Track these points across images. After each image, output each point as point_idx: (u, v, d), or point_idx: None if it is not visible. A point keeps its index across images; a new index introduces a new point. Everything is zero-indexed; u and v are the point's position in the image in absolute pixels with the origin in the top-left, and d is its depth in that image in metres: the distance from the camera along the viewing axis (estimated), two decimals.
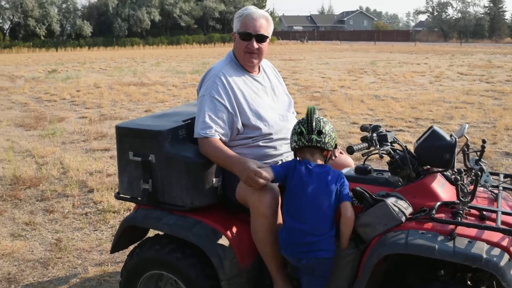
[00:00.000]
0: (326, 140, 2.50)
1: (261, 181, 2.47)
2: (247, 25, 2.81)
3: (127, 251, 3.27)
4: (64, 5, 56.25)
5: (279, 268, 2.68)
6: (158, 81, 17.59)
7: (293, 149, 2.60)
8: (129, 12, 56.69)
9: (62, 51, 47.78)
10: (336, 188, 2.46)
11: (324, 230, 2.45)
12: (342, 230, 2.44)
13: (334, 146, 2.56)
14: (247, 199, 2.61)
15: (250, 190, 2.57)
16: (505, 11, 75.13)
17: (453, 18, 73.20)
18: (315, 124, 2.50)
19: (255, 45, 2.81)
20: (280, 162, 2.85)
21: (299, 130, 2.52)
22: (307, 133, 2.49)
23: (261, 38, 2.83)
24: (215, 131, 2.70)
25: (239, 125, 2.78)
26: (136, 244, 3.00)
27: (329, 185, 2.46)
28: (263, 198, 2.54)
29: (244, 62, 2.88)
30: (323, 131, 2.50)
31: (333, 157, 2.78)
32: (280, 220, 2.62)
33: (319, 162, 2.53)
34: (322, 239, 2.44)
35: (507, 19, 74.87)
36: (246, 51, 2.84)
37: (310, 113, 2.52)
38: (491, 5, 73.65)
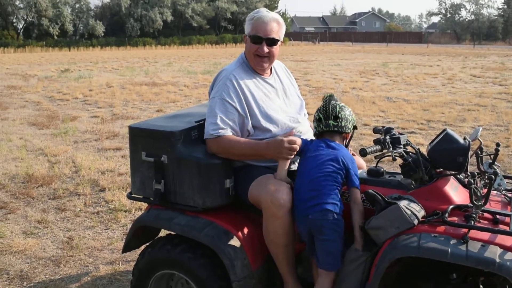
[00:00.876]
0: (343, 124, 2.69)
1: (296, 145, 2.61)
2: (258, 28, 2.79)
3: (138, 250, 3.29)
4: (77, 5, 56.57)
5: (290, 269, 2.68)
6: (169, 81, 17.65)
7: (314, 135, 2.82)
8: (142, 12, 56.90)
9: (74, 50, 48.08)
10: (346, 167, 2.58)
11: (328, 188, 2.53)
12: (353, 217, 2.53)
13: (352, 128, 2.75)
14: (260, 200, 2.61)
15: (264, 190, 2.58)
16: None
17: (466, 20, 72.66)
18: (332, 110, 2.69)
19: (266, 49, 2.80)
20: (291, 165, 2.85)
21: (317, 117, 2.73)
22: (324, 119, 2.69)
23: (272, 42, 2.81)
24: (226, 129, 2.72)
25: (249, 127, 2.78)
26: (147, 244, 3.02)
27: (340, 159, 2.58)
28: (276, 199, 2.54)
29: (255, 65, 2.87)
30: (340, 115, 2.68)
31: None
32: (291, 221, 2.62)
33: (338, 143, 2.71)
34: (325, 193, 2.52)
35: None
36: (257, 55, 2.83)
37: (327, 100, 2.73)
38: (505, 7, 72.95)
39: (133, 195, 3.00)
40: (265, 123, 2.78)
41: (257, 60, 2.84)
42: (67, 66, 24.96)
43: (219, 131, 2.70)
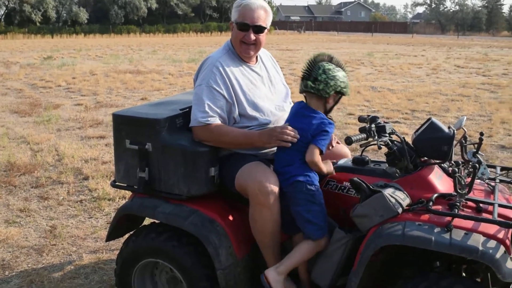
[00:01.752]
0: (320, 87, 2.57)
1: (292, 133, 2.57)
2: (245, 15, 2.77)
3: (122, 239, 3.26)
4: None
5: (276, 257, 2.68)
6: (154, 69, 17.51)
7: (300, 92, 2.72)
8: None
9: (57, 37, 47.47)
10: (314, 131, 2.58)
11: (294, 160, 2.60)
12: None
13: (330, 93, 2.58)
14: (247, 188, 2.60)
15: (251, 178, 2.57)
16: (502, 4, 75.32)
17: (451, 10, 73.23)
18: (312, 71, 2.60)
19: (252, 36, 2.78)
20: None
21: (301, 76, 2.67)
22: (304, 79, 2.63)
23: (259, 29, 2.79)
24: (215, 117, 2.70)
25: (236, 115, 2.76)
26: (131, 232, 3.00)
27: (307, 125, 2.59)
28: (263, 188, 2.54)
29: (241, 52, 2.85)
30: (319, 78, 2.57)
31: (330, 147, 2.78)
32: (278, 210, 2.62)
33: (313, 107, 2.64)
34: (296, 166, 2.59)
35: (504, 12, 74.86)
36: (243, 42, 2.80)
37: (311, 60, 2.63)
38: None
39: (117, 183, 2.97)
40: (251, 111, 2.77)
41: (243, 47, 2.82)
42: (50, 53, 24.62)
43: (208, 118, 2.68)
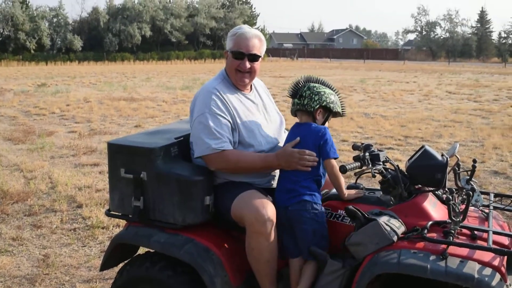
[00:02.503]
0: (305, 102, 2.71)
1: (312, 158, 2.64)
2: (240, 44, 2.80)
3: (117, 268, 3.23)
4: (55, 19, 56.16)
5: (272, 284, 2.67)
6: (148, 96, 17.58)
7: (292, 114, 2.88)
8: (120, 27, 56.75)
9: (52, 65, 47.67)
10: (316, 142, 2.66)
11: (302, 177, 2.65)
12: (334, 184, 2.67)
13: (316, 107, 2.70)
14: (243, 217, 2.59)
15: (248, 207, 2.57)
16: (492, 31, 76.01)
17: (441, 37, 74.05)
18: (298, 90, 2.77)
19: (247, 64, 2.81)
20: (271, 181, 2.86)
21: (289, 96, 2.84)
22: (291, 98, 2.81)
23: (254, 58, 2.83)
24: (228, 143, 2.71)
25: (235, 141, 2.78)
26: (126, 262, 2.97)
27: (307, 138, 2.67)
28: (260, 216, 2.54)
29: (236, 81, 2.87)
30: (303, 94, 2.73)
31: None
32: (275, 238, 2.61)
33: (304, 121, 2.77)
34: (302, 185, 2.63)
35: (494, 39, 75.89)
36: (238, 70, 2.83)
37: (296, 80, 2.83)
38: (479, 25, 74.72)
39: (111, 212, 2.95)
40: (248, 138, 2.78)
41: (238, 75, 2.84)
42: (44, 81, 24.69)
43: (223, 144, 2.68)
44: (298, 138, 2.69)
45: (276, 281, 2.70)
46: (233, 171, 2.75)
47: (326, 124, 2.80)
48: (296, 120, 2.84)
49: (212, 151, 2.67)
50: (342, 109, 2.83)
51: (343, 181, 2.66)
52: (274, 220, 2.59)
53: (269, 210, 2.58)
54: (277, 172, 2.86)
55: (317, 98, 2.70)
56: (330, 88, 2.79)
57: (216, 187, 2.78)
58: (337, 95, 2.82)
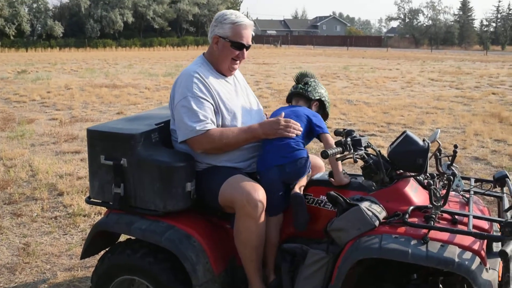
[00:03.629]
0: (309, 89, 2.96)
1: (297, 126, 2.73)
2: (241, 35, 2.80)
3: (98, 256, 3.21)
4: (35, 5, 55.21)
5: (257, 270, 2.67)
6: (130, 83, 17.41)
7: (286, 100, 3.09)
8: (102, 13, 56.04)
9: (32, 51, 46.98)
10: (307, 117, 2.82)
11: (299, 144, 2.76)
12: (331, 164, 2.70)
13: (318, 98, 2.97)
14: (234, 200, 2.58)
15: (239, 190, 2.56)
16: (474, 19, 76.89)
17: (424, 25, 74.46)
18: (304, 78, 3.01)
19: (245, 54, 2.86)
20: (253, 164, 2.85)
21: (295, 81, 3.05)
22: (296, 83, 3.02)
23: (248, 48, 2.86)
24: (211, 123, 2.70)
25: (218, 123, 2.77)
26: (107, 249, 2.95)
27: (300, 113, 2.83)
28: (251, 199, 2.54)
29: (227, 68, 2.87)
30: (309, 83, 2.99)
31: None
32: (264, 223, 2.61)
33: None
34: (293, 145, 2.73)
35: (475, 27, 76.57)
36: (233, 59, 2.84)
37: (302, 72, 3.04)
38: (461, 13, 75.23)
39: (92, 200, 2.92)
40: (230, 121, 2.78)
41: (231, 63, 2.86)
42: (24, 67, 24.32)
43: (205, 125, 2.66)
44: (283, 113, 2.80)
45: (261, 268, 2.70)
46: (219, 150, 2.73)
47: None
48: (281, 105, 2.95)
49: (196, 133, 2.66)
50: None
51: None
52: (265, 204, 2.59)
53: (260, 193, 2.58)
54: (256, 153, 2.87)
55: (320, 90, 2.99)
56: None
57: (199, 173, 2.77)
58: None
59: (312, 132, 2.82)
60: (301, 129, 2.73)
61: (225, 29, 2.80)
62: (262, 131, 2.72)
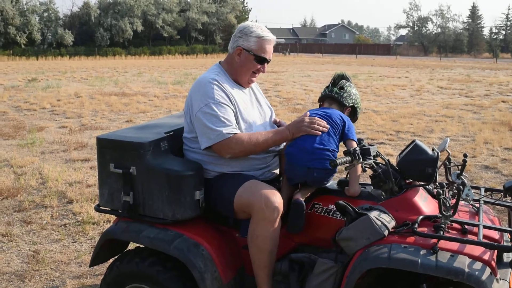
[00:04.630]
0: (344, 95, 2.91)
1: (322, 123, 2.71)
2: (265, 49, 2.84)
3: (107, 263, 3.22)
4: (45, 14, 55.78)
5: (269, 277, 2.66)
6: (139, 91, 17.50)
7: (318, 100, 3.04)
8: (112, 22, 56.48)
9: (42, 59, 47.37)
10: (340, 123, 2.77)
11: (328, 145, 2.69)
12: (350, 174, 2.66)
13: (352, 105, 2.93)
14: (251, 204, 2.58)
15: (257, 194, 2.56)
16: (483, 27, 76.33)
17: (433, 33, 74.26)
18: (340, 81, 2.96)
19: (266, 69, 2.91)
20: (266, 174, 2.86)
21: (327, 84, 3.00)
22: (331, 86, 2.96)
23: (269, 62, 2.92)
24: (236, 128, 2.71)
25: None
26: (116, 257, 2.95)
27: (334, 117, 2.77)
28: (270, 203, 2.54)
29: (246, 80, 2.90)
30: (345, 88, 2.93)
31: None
32: (279, 228, 2.61)
33: None
34: (327, 150, 2.67)
35: (485, 34, 76.21)
36: (254, 72, 2.87)
37: (340, 74, 3.00)
38: (470, 20, 74.97)
39: (101, 208, 2.93)
40: (244, 129, 2.79)
41: (251, 76, 2.89)
42: (35, 76, 24.54)
43: (232, 129, 2.67)
44: (308, 112, 2.81)
45: (272, 275, 2.69)
46: (248, 153, 2.74)
47: None
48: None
49: (223, 138, 2.65)
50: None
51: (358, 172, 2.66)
52: (281, 209, 2.59)
53: (278, 198, 2.59)
54: (269, 163, 2.88)
55: (354, 97, 2.94)
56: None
57: (211, 180, 2.77)
58: None
59: (342, 136, 2.79)
60: (327, 126, 2.71)
61: (250, 42, 2.81)
62: (289, 131, 2.74)
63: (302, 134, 2.70)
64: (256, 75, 2.90)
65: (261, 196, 2.56)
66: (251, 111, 2.87)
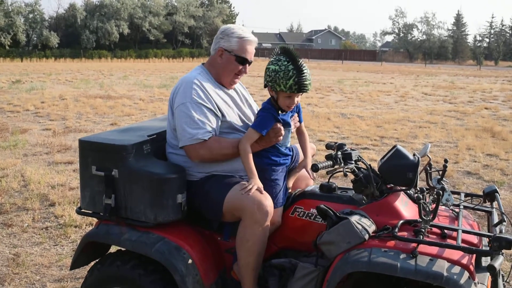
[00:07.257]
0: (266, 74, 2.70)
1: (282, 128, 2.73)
2: (247, 51, 2.85)
3: (88, 266, 3.19)
4: (31, 15, 55.31)
5: (255, 280, 2.66)
6: (125, 94, 17.42)
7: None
8: (98, 24, 56.22)
9: (27, 61, 46.96)
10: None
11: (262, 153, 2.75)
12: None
13: (265, 83, 2.71)
14: (243, 207, 2.57)
15: (249, 197, 2.55)
16: (467, 34, 77.43)
17: (418, 39, 74.94)
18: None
19: (247, 70, 2.89)
20: None
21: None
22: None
23: (250, 63, 2.91)
24: (211, 132, 2.70)
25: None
26: (97, 260, 2.94)
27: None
28: (262, 206, 2.54)
29: (229, 82, 2.90)
30: (268, 65, 2.68)
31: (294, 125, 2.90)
32: (268, 231, 2.62)
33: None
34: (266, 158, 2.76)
35: (469, 42, 77.16)
36: (236, 73, 2.87)
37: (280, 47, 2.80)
38: (455, 28, 75.84)
39: (82, 210, 2.91)
40: (227, 130, 2.79)
41: (233, 77, 2.89)
42: (19, 77, 24.31)
43: (205, 134, 2.67)
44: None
45: (257, 277, 2.69)
46: (215, 160, 2.73)
47: (286, 102, 2.71)
48: None
49: (195, 141, 2.66)
50: (300, 84, 2.61)
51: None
52: (271, 214, 2.59)
53: (269, 201, 2.59)
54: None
55: (269, 73, 2.66)
56: (294, 60, 2.60)
57: (197, 183, 2.76)
58: (303, 71, 2.60)
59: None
60: (281, 128, 2.74)
61: (231, 43, 2.82)
62: (260, 145, 2.74)
63: (273, 143, 2.74)
64: (239, 76, 2.90)
65: (253, 199, 2.55)
66: (232, 111, 2.87)
